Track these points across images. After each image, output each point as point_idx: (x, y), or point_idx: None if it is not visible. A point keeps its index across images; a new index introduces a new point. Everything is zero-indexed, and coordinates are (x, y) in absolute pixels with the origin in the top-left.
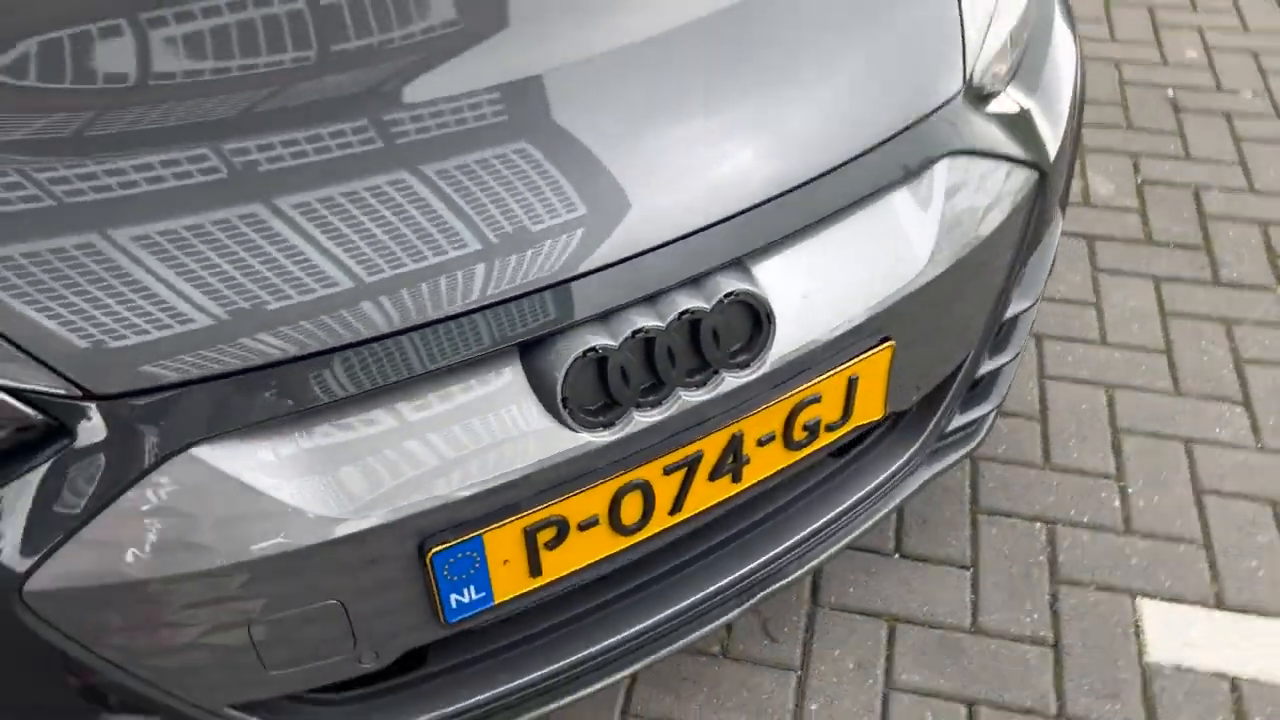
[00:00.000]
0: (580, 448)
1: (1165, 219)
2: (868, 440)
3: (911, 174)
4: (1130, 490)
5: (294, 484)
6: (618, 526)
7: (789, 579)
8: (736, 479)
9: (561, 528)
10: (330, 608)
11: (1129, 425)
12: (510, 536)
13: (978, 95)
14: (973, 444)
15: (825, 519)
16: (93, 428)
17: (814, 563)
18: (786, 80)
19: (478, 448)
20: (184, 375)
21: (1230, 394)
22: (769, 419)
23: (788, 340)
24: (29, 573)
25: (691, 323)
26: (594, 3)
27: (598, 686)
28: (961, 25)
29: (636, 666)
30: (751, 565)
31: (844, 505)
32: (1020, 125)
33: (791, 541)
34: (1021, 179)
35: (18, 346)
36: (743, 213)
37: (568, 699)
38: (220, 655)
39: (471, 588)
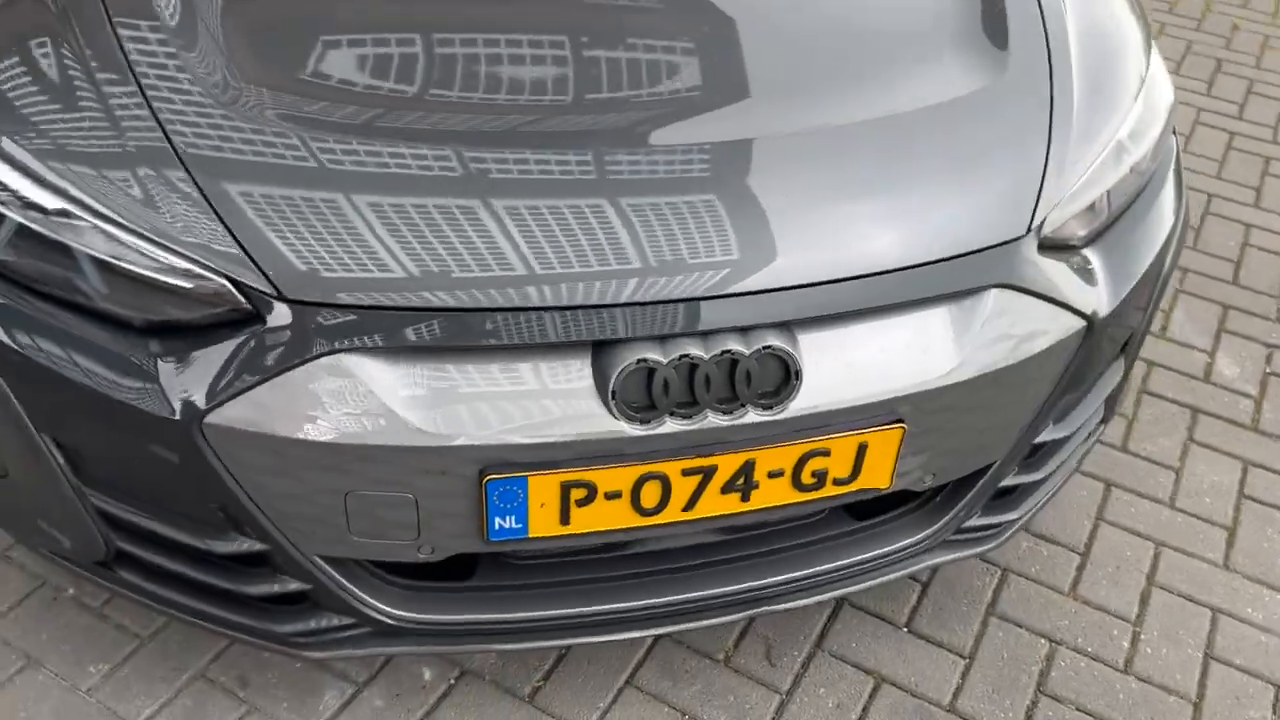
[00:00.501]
0: (617, 433)
1: None
2: (891, 513)
3: (957, 294)
4: (1142, 637)
5: (404, 400)
6: (638, 506)
7: (788, 605)
8: (745, 499)
9: (591, 491)
10: (406, 499)
11: (1165, 582)
12: (549, 485)
13: (1046, 243)
14: (989, 545)
15: (833, 565)
16: (277, 321)
17: (814, 599)
18: (872, 192)
19: (541, 411)
20: (350, 301)
21: (1276, 582)
22: (781, 457)
23: (810, 397)
24: (209, 409)
25: (731, 361)
26: (749, 104)
27: (608, 638)
28: (1042, 181)
29: (638, 634)
30: (759, 582)
31: (853, 559)
32: (1082, 278)
33: (798, 574)
34: (1067, 324)
35: (248, 254)
36: (800, 287)
37: (578, 640)
38: (321, 511)
39: (513, 517)
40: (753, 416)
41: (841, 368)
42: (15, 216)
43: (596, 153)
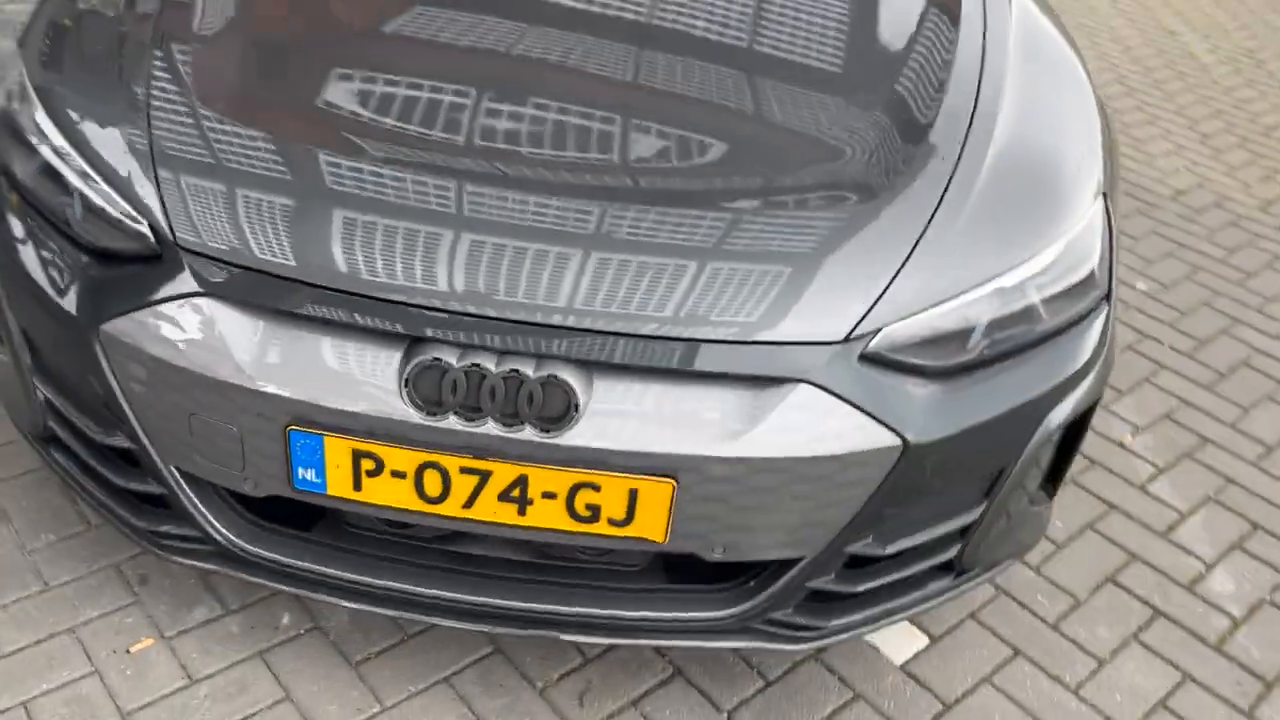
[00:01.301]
0: (401, 416)
1: (1257, 642)
2: (704, 585)
3: (754, 377)
4: None
5: (242, 346)
6: (421, 491)
7: (578, 638)
8: (522, 513)
9: (379, 464)
10: (232, 432)
11: None
12: (343, 449)
13: (876, 357)
14: (799, 645)
15: (633, 614)
16: (170, 260)
17: (605, 639)
18: (698, 268)
19: (347, 383)
20: (219, 257)
21: None
22: (553, 480)
23: (588, 432)
24: (105, 319)
25: (519, 381)
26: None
27: (403, 615)
28: (879, 297)
29: (430, 619)
30: (558, 608)
31: (652, 615)
32: (909, 399)
33: (595, 611)
34: (875, 437)
35: (164, 206)
36: (591, 332)
37: (378, 610)
38: (174, 427)
39: (313, 471)
40: (529, 435)
41: (626, 414)
42: (43, 151)
43: (457, 186)
